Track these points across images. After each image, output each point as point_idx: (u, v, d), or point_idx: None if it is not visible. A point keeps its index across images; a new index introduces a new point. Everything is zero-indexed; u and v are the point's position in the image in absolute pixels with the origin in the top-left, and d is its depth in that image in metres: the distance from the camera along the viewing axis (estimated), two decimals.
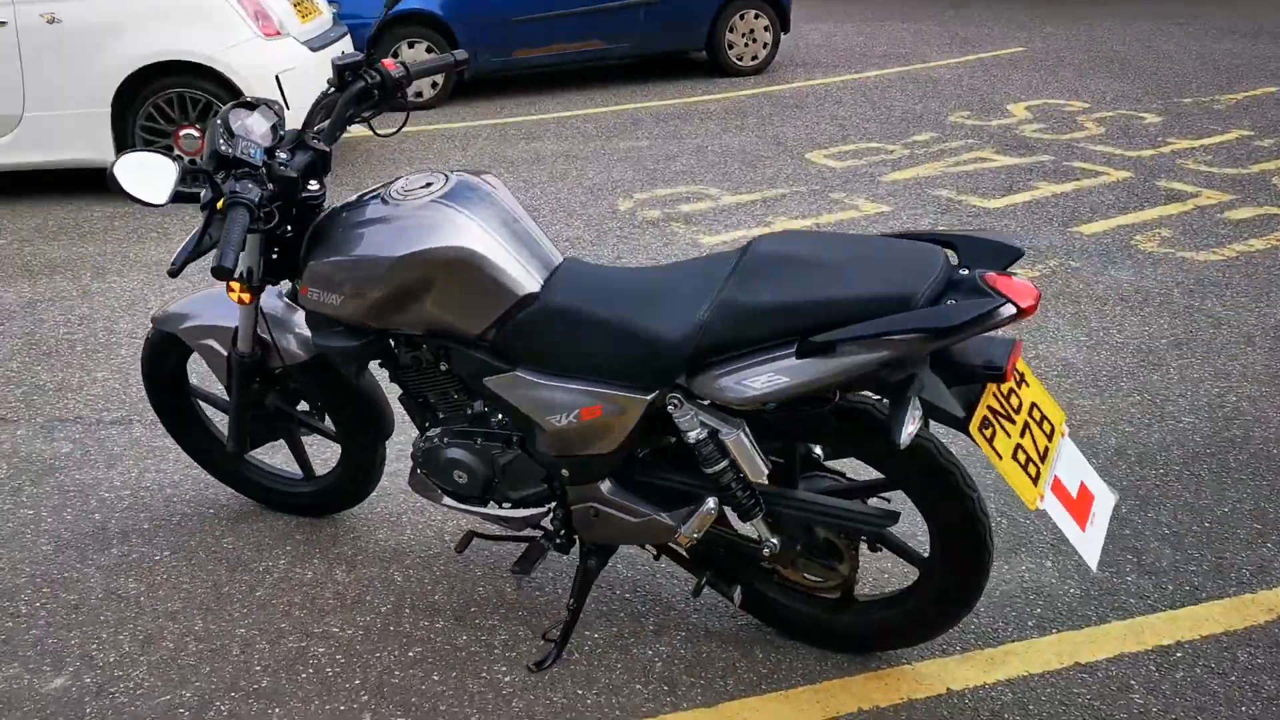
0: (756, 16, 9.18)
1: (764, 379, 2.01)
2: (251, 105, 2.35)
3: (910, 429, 1.94)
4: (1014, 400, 2.08)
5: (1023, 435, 2.06)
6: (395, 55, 8.22)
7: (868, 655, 2.45)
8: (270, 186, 2.22)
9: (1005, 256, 2.06)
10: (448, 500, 2.52)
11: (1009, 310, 1.89)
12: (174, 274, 2.15)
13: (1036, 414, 2.12)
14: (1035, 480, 2.03)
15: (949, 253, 2.09)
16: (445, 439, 2.44)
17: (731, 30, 9.14)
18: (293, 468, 3.09)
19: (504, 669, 2.45)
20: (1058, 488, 2.08)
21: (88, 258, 5.20)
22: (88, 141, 5.91)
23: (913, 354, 1.94)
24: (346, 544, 2.91)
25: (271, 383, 2.78)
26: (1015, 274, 2.05)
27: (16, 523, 3.03)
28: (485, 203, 2.29)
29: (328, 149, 2.38)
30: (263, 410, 2.82)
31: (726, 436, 2.12)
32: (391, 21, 8.15)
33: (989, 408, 2.02)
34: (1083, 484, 2.16)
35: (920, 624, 2.33)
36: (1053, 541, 2.83)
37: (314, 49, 6.24)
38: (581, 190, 6.13)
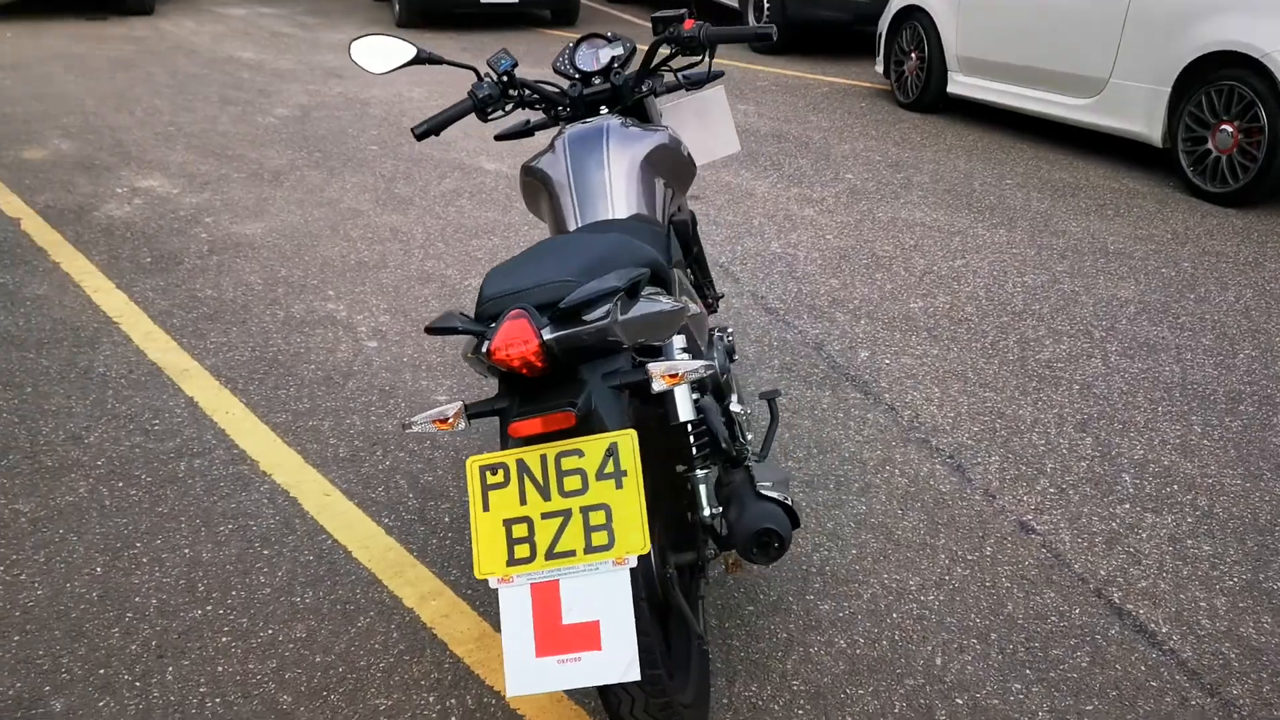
0: None
1: None
2: (609, 39, 2.80)
3: (428, 412, 1.87)
4: (573, 483, 1.69)
5: (548, 518, 1.69)
6: None
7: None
8: (521, 94, 2.70)
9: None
10: None
11: (488, 344, 1.73)
12: (420, 136, 2.68)
13: (599, 518, 1.67)
14: (514, 561, 1.68)
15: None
16: None
17: None
18: None
19: None
20: (544, 595, 1.67)
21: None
22: (1145, 117, 5.62)
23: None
24: None
25: None
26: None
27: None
28: (587, 150, 2.52)
29: (618, 84, 2.73)
30: None
31: None
32: None
33: (520, 462, 1.72)
34: (595, 625, 1.64)
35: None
36: None
37: None
38: None
